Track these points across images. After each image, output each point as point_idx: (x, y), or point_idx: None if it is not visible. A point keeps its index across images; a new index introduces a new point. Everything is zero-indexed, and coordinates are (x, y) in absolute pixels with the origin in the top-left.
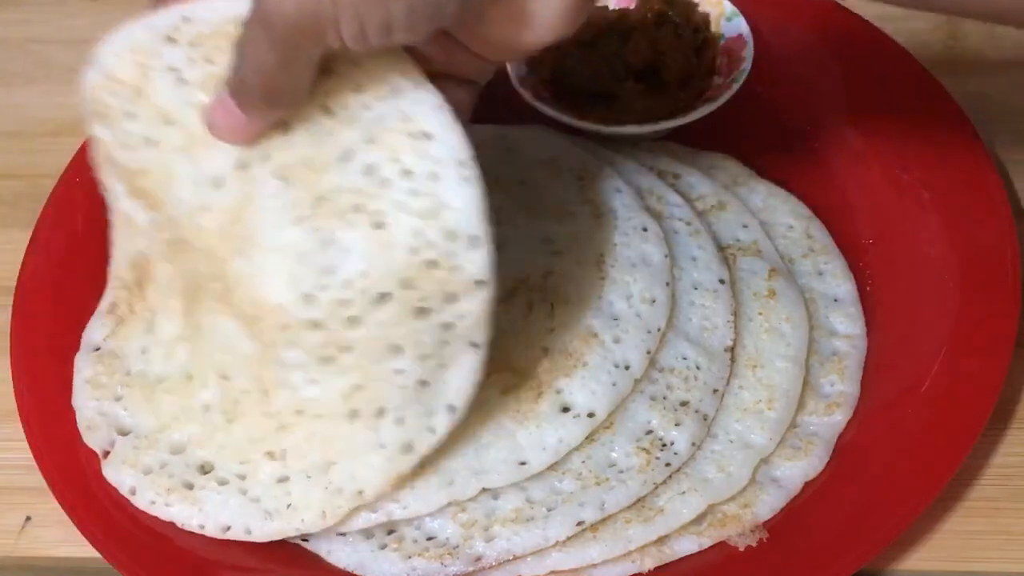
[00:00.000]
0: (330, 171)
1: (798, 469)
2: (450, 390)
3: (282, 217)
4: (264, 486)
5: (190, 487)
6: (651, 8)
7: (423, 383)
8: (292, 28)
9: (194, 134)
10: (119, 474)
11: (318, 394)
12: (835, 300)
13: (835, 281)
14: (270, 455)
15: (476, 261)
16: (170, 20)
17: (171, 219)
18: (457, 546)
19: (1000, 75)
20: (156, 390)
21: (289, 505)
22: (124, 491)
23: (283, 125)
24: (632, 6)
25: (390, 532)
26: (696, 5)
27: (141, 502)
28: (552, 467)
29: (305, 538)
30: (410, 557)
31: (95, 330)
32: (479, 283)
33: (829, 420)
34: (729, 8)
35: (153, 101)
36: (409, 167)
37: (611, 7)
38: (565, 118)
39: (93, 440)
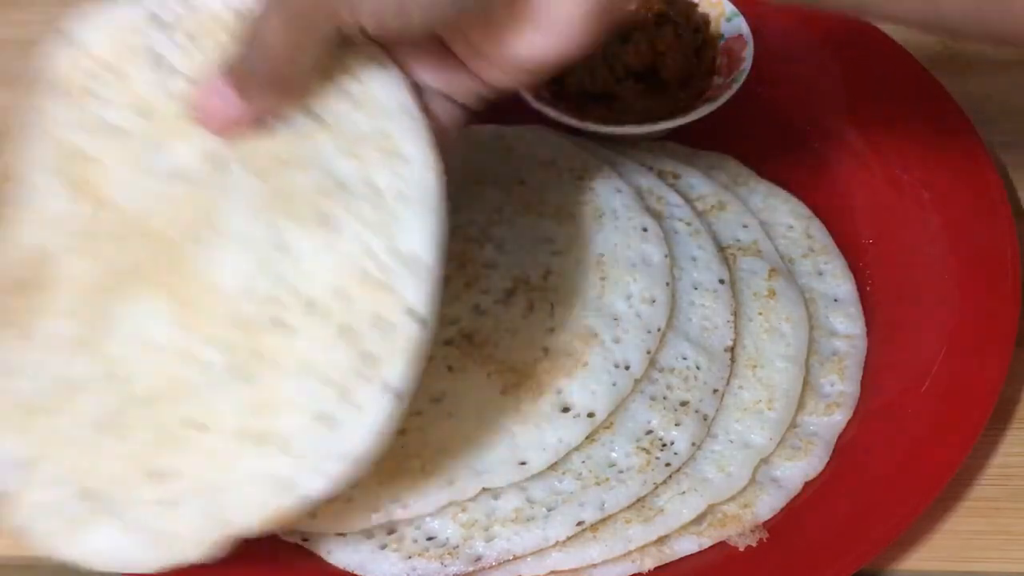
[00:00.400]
0: (298, 171)
1: (798, 469)
2: (353, 436)
3: (242, 208)
4: (151, 514)
5: (86, 522)
6: (651, 8)
7: (327, 418)
8: (308, 4)
9: (166, 123)
10: (24, 520)
11: (219, 408)
12: (835, 300)
13: (835, 281)
14: (153, 478)
15: (418, 292)
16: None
17: (112, 206)
18: (457, 546)
19: (1000, 75)
20: (33, 414)
21: (169, 532)
22: (37, 539)
23: (261, 121)
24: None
25: (390, 532)
26: (696, 5)
27: (57, 546)
28: (552, 467)
29: (306, 538)
30: (410, 557)
31: None
32: (415, 316)
33: (829, 420)
34: (729, 8)
35: (132, 87)
36: (379, 184)
37: None
38: (565, 118)
39: None
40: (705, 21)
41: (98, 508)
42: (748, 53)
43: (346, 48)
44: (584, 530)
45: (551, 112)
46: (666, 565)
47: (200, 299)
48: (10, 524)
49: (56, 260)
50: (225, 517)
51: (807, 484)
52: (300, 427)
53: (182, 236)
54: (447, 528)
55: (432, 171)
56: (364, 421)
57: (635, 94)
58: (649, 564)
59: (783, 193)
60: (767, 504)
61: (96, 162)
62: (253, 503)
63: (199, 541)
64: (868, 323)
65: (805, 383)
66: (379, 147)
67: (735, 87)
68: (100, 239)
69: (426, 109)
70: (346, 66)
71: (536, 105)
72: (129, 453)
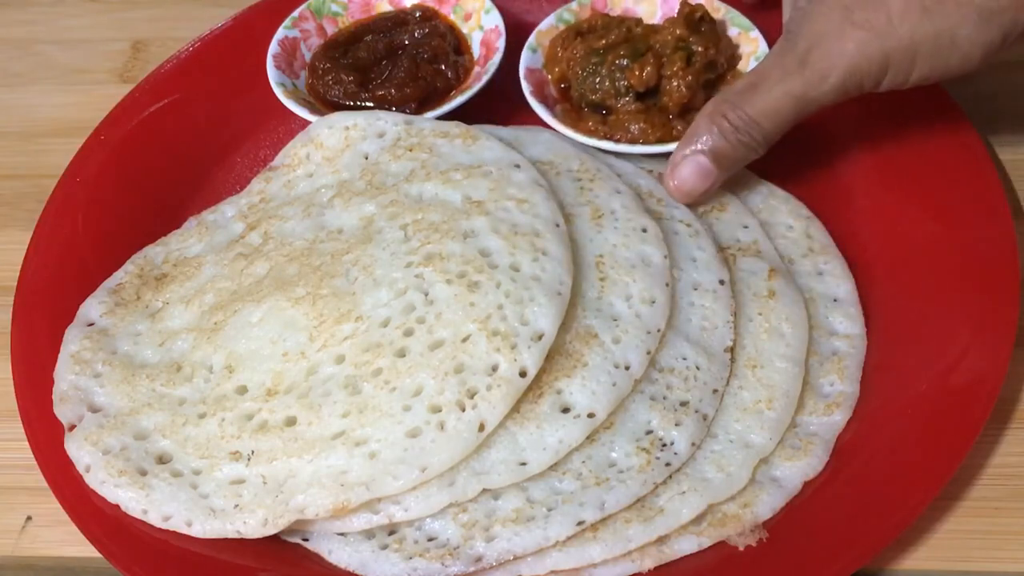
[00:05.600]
0: (452, 240)
1: (797, 469)
2: (437, 456)
3: (392, 259)
4: (217, 484)
5: (143, 473)
6: (673, 32)
7: (415, 432)
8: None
9: (348, 195)
10: (79, 450)
11: (322, 411)
12: (835, 300)
13: (835, 281)
14: (234, 455)
15: (533, 356)
16: (392, 118)
17: (277, 240)
18: (458, 546)
19: (1000, 75)
20: (137, 374)
21: (236, 506)
22: (80, 467)
23: (419, 200)
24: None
25: (391, 532)
26: (725, 39)
27: (93, 481)
28: (552, 467)
29: (306, 538)
30: (411, 557)
31: (92, 306)
32: (526, 375)
33: (829, 420)
34: (763, 48)
35: (337, 171)
36: (521, 266)
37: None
38: (555, 123)
39: (63, 412)
40: (734, 56)
41: (165, 469)
42: None
43: (517, 170)
44: (584, 530)
45: (545, 115)
46: (666, 565)
47: (337, 320)
48: (67, 450)
49: (202, 267)
50: (292, 502)
51: (807, 484)
52: (392, 438)
53: (333, 269)
54: (448, 528)
55: (567, 271)
56: (449, 444)
57: (630, 113)
58: (649, 564)
59: (783, 193)
60: (767, 504)
61: (277, 216)
62: (324, 494)
63: (260, 520)
64: (868, 323)
65: (805, 383)
66: (529, 240)
67: None
68: (253, 258)
69: None
70: (517, 183)
71: (533, 104)
72: (220, 433)
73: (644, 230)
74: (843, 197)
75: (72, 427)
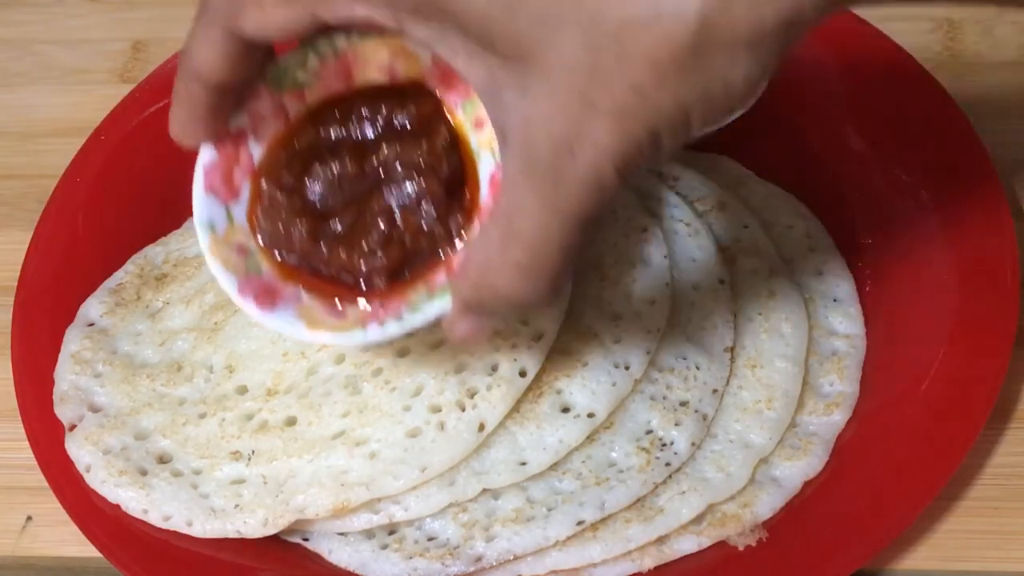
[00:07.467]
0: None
1: (797, 469)
2: (437, 456)
3: None
4: (217, 484)
5: (144, 473)
6: None
7: (415, 432)
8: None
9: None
10: (79, 449)
11: (322, 411)
12: (835, 300)
13: (835, 281)
14: (235, 455)
15: (534, 357)
16: None
17: None
18: (458, 546)
19: (1000, 75)
20: (138, 374)
21: (236, 506)
22: (80, 467)
23: None
24: None
25: (391, 532)
26: None
27: (93, 480)
28: (552, 467)
29: (306, 538)
30: (411, 557)
31: (93, 306)
32: (526, 375)
33: (828, 420)
34: None
35: None
36: None
37: None
38: None
39: (63, 412)
40: None
41: (165, 469)
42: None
43: None
44: (584, 530)
45: None
46: (666, 565)
47: None
48: (67, 450)
49: (202, 267)
50: (293, 502)
51: (806, 484)
52: (392, 438)
53: None
54: (448, 528)
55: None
56: (449, 444)
57: None
58: (649, 564)
59: (783, 193)
60: (767, 504)
61: None
62: (324, 494)
63: (261, 520)
64: (868, 323)
65: (804, 383)
66: None
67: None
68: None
69: None
70: None
71: None
72: (220, 432)
73: (644, 229)
74: (843, 197)
75: (72, 427)
